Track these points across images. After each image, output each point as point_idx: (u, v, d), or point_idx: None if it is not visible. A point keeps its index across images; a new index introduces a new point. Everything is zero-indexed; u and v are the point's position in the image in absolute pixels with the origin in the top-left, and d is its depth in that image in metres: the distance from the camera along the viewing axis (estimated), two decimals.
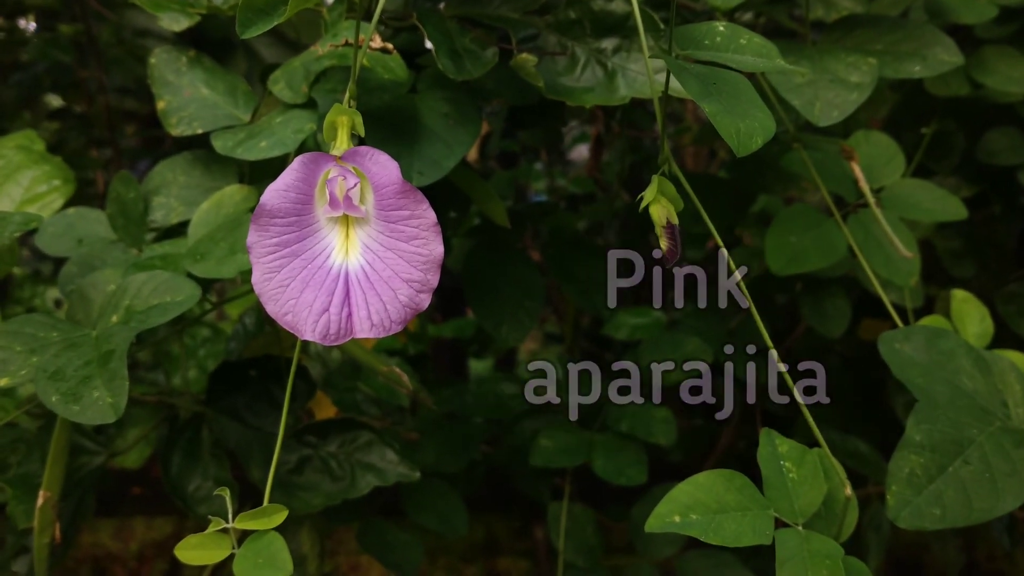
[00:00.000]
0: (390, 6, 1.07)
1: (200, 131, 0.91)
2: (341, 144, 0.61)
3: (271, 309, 0.57)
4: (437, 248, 0.57)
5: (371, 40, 0.88)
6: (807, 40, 0.95)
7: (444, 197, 1.14)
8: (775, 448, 0.65)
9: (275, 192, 0.56)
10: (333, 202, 0.57)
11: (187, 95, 0.94)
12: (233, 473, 1.02)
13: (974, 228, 1.51)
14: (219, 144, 0.86)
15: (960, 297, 0.95)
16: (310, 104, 0.86)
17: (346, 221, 0.60)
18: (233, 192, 0.88)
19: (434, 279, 0.57)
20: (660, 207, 0.65)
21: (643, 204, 0.66)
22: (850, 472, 1.41)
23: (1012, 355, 0.94)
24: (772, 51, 0.65)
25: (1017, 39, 1.37)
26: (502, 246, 1.18)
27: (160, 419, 1.18)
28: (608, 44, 0.90)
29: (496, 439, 1.61)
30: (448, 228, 1.14)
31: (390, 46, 0.88)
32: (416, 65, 1.00)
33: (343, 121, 0.62)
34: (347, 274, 0.58)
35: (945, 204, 1.06)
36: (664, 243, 0.65)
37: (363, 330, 0.57)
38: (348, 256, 0.59)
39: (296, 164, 0.57)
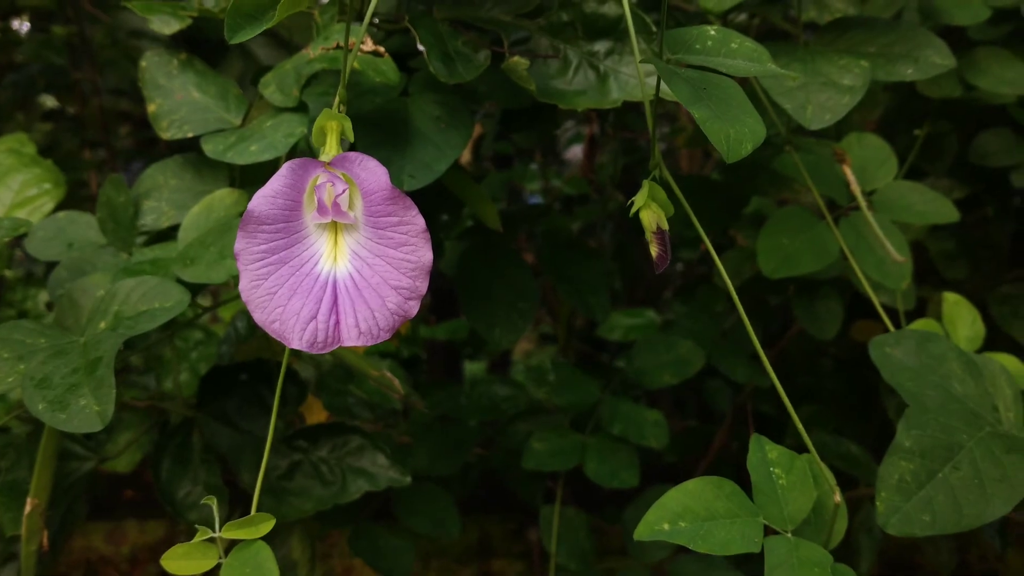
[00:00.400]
0: (382, 8, 1.07)
1: (191, 135, 0.91)
2: (330, 150, 0.61)
3: (258, 317, 0.56)
4: (426, 255, 0.57)
5: (362, 43, 0.87)
6: (799, 41, 0.95)
7: (436, 200, 1.14)
8: (765, 454, 0.65)
9: (263, 198, 0.56)
10: (321, 208, 0.57)
11: (178, 98, 0.93)
12: (224, 478, 1.02)
13: (967, 230, 1.51)
14: (209, 148, 0.85)
15: (952, 300, 0.95)
16: (301, 108, 0.86)
17: (334, 227, 0.59)
18: (223, 196, 0.88)
19: (423, 286, 0.57)
20: (651, 212, 0.65)
21: (633, 209, 0.66)
22: (841, 474, 1.42)
23: (1003, 358, 0.94)
24: (763, 55, 0.65)
25: (1010, 40, 1.37)
26: (495, 248, 1.17)
27: (151, 423, 1.17)
28: (600, 47, 0.90)
29: (490, 441, 1.61)
30: (440, 230, 1.14)
31: (381, 49, 0.87)
32: (408, 68, 1.00)
33: (332, 126, 0.62)
34: (335, 281, 0.58)
35: (937, 207, 1.06)
36: (654, 249, 0.65)
37: (351, 338, 0.57)
38: (336, 263, 0.58)
39: (284, 170, 0.56)
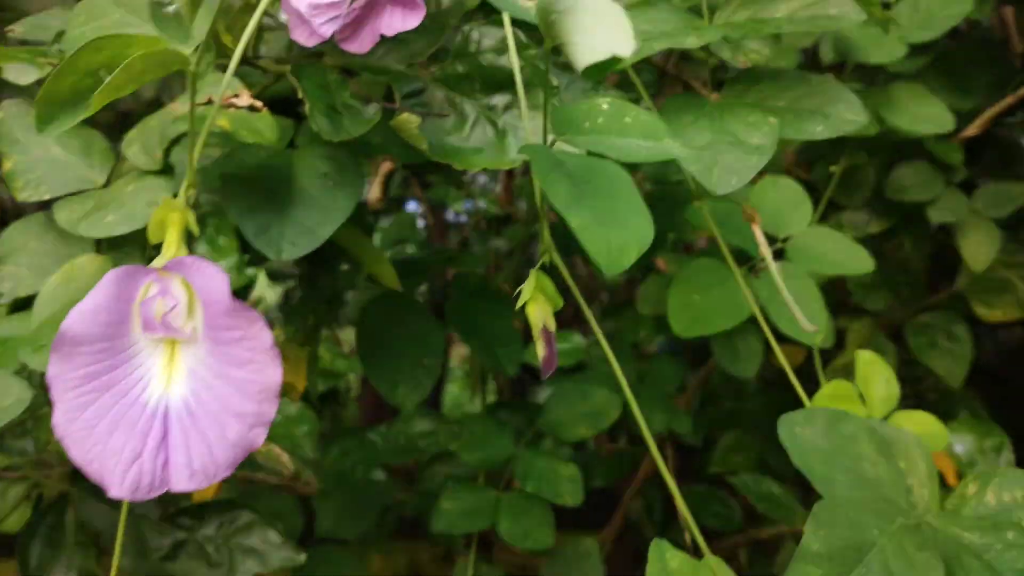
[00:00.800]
0: (272, 51, 0.99)
1: (47, 196, 0.82)
2: (167, 250, 0.54)
3: (74, 455, 0.48)
4: (274, 375, 0.49)
5: (236, 96, 0.80)
6: (709, 94, 0.90)
7: (336, 250, 1.07)
8: (665, 564, 0.60)
9: (80, 315, 0.48)
10: (148, 325, 0.50)
11: (36, 155, 0.84)
12: (101, 560, 0.94)
13: (884, 259, 1.50)
14: (63, 216, 0.77)
15: (865, 359, 0.92)
16: (167, 171, 0.78)
17: (171, 342, 0.52)
18: (85, 263, 0.79)
19: (270, 411, 0.49)
20: (537, 307, 0.59)
21: (520, 302, 0.60)
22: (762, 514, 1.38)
23: (917, 417, 0.92)
24: (659, 130, 0.60)
25: (926, 73, 1.36)
26: (399, 298, 1.10)
27: (30, 488, 1.08)
28: (499, 100, 0.84)
29: (411, 477, 1.55)
30: (340, 281, 1.07)
31: (259, 104, 0.80)
32: (299, 115, 0.93)
33: (174, 219, 0.54)
34: (167, 410, 0.50)
35: (851, 256, 1.03)
36: (540, 349, 0.60)
37: (180, 481, 0.48)
38: (170, 386, 0.50)
39: (107, 281, 0.49)
